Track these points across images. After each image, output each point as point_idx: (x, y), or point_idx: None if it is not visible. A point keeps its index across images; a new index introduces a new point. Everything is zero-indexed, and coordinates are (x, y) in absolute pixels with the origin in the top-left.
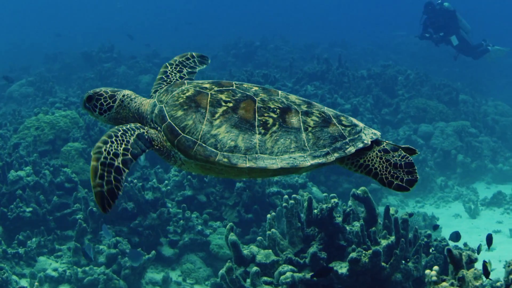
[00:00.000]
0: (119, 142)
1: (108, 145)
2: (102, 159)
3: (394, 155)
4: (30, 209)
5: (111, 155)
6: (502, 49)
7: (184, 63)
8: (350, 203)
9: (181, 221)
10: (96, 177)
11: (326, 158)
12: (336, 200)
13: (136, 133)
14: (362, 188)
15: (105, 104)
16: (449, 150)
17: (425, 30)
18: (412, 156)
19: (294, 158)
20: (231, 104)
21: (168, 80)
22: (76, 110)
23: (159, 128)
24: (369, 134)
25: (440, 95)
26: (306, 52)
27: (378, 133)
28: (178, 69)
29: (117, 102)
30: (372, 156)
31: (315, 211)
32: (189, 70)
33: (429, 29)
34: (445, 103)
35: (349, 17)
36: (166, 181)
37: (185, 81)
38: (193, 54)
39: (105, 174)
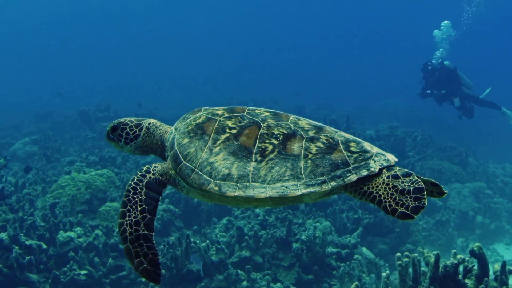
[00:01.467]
0: (134, 206)
1: (127, 217)
2: (129, 237)
3: (404, 180)
4: (85, 271)
5: (134, 228)
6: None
7: None
8: (467, 258)
9: (245, 282)
10: (133, 258)
11: (320, 187)
12: (461, 256)
13: (144, 183)
14: (477, 244)
15: (131, 133)
16: (466, 211)
17: (426, 88)
18: (440, 198)
19: (286, 187)
20: (235, 131)
21: None
22: (110, 169)
23: (168, 155)
24: (379, 161)
25: (450, 156)
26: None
27: (393, 160)
28: None
29: (143, 130)
30: (379, 182)
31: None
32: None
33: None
34: (456, 165)
35: (334, 82)
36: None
37: (202, 108)
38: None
39: (139, 249)
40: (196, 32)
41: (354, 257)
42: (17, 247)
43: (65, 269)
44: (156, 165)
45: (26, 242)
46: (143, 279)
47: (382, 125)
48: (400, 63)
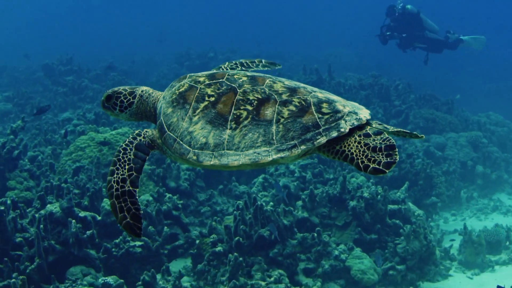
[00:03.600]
0: (122, 165)
1: (115, 175)
2: (115, 193)
3: (376, 138)
4: (141, 243)
5: (120, 184)
6: (478, 37)
7: (243, 63)
8: None
9: (318, 246)
10: (117, 212)
11: (291, 151)
12: None
13: (134, 144)
14: None
15: (125, 101)
16: (465, 161)
17: (387, 31)
18: (418, 139)
19: (258, 153)
20: (213, 99)
21: None
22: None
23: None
24: (350, 121)
25: (437, 105)
26: None
27: (365, 117)
28: (231, 66)
29: (137, 97)
30: (351, 141)
31: None
32: (243, 69)
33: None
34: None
35: (285, 30)
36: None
37: (188, 75)
38: (262, 60)
39: (123, 205)
40: None
41: (416, 213)
42: (74, 220)
43: (118, 241)
44: (148, 130)
45: (80, 214)
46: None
47: (349, 73)
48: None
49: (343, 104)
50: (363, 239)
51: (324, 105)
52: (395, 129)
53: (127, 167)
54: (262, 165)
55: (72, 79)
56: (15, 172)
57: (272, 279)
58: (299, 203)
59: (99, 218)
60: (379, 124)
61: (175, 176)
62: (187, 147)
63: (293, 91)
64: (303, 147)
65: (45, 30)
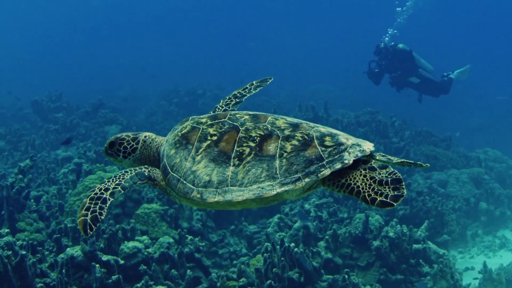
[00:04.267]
0: (113, 180)
1: (104, 184)
2: (92, 195)
3: (381, 172)
4: (164, 287)
5: (102, 191)
6: (463, 69)
7: (236, 94)
8: None
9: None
10: (82, 209)
11: (295, 184)
12: None
13: (137, 171)
14: None
15: (128, 146)
16: (468, 197)
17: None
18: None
19: (262, 188)
20: (215, 138)
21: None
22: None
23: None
24: (354, 153)
25: (436, 142)
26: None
27: (368, 149)
28: (226, 102)
29: (140, 143)
30: (356, 174)
31: None
32: (238, 100)
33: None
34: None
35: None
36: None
37: (190, 117)
38: (253, 82)
39: (92, 206)
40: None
41: (441, 253)
42: (97, 265)
43: (139, 285)
44: (156, 169)
45: (103, 258)
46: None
47: (340, 110)
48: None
49: (346, 137)
50: (388, 280)
51: (327, 138)
52: (399, 160)
53: (116, 181)
54: (267, 200)
55: (62, 116)
56: (24, 213)
57: None
58: (322, 243)
59: (122, 262)
60: (383, 156)
61: (188, 216)
62: (191, 186)
63: (295, 126)
64: (307, 179)
65: (26, 67)
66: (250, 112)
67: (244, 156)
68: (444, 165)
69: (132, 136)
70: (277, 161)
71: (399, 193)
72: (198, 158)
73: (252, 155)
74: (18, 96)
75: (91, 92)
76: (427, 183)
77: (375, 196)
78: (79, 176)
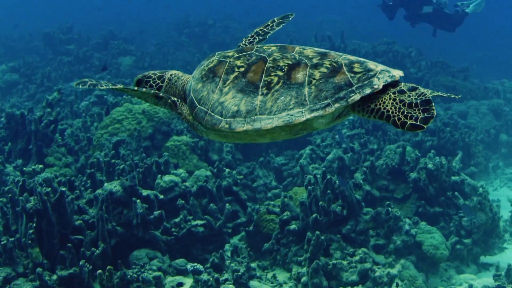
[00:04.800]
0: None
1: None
2: (146, 79)
3: (411, 94)
4: (203, 221)
5: (156, 81)
6: (478, 1)
7: (258, 32)
8: None
9: (390, 221)
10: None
11: (324, 110)
12: None
13: (172, 99)
14: None
15: (154, 85)
16: (488, 129)
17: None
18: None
19: (291, 115)
20: (243, 69)
21: None
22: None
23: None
24: (383, 78)
25: (453, 72)
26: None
27: (398, 75)
28: (249, 40)
29: (165, 81)
30: (385, 98)
31: None
32: (261, 38)
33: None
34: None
35: None
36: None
37: (216, 53)
38: (275, 19)
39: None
40: None
41: (478, 185)
42: (139, 200)
43: (178, 220)
44: (184, 103)
45: (144, 193)
46: None
47: (354, 41)
48: None
49: (375, 64)
50: (427, 212)
51: (356, 65)
52: (433, 93)
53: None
54: (296, 128)
55: (74, 48)
56: (52, 147)
57: (357, 257)
58: (358, 175)
59: (161, 197)
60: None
61: (218, 148)
62: (219, 117)
63: (323, 55)
64: (336, 105)
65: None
66: (277, 44)
67: (272, 85)
68: (463, 96)
69: (158, 74)
70: (306, 88)
71: (429, 115)
72: (226, 89)
73: (280, 84)
74: (25, 30)
75: (101, 24)
76: (447, 114)
77: (405, 120)
78: (108, 111)
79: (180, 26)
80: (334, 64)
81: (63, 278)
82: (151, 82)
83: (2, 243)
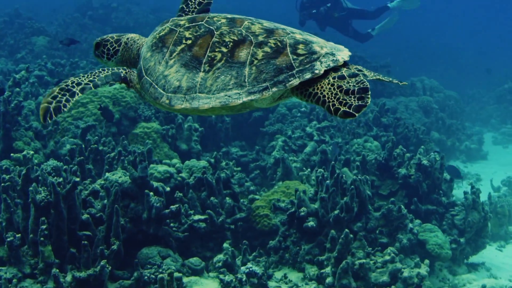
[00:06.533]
0: (89, 76)
1: (77, 78)
2: (63, 85)
3: (350, 81)
4: (205, 216)
5: (73, 84)
6: (386, 21)
7: None
8: None
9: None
10: (49, 97)
11: (262, 94)
12: None
13: (113, 71)
14: None
15: (111, 48)
16: (418, 127)
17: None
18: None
19: (229, 96)
20: (190, 42)
21: (184, 15)
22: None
23: None
24: (326, 62)
25: (376, 67)
26: (156, 14)
27: (342, 59)
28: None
29: (122, 45)
30: (324, 83)
31: None
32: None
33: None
34: None
35: None
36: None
37: (171, 19)
38: None
39: (59, 96)
40: None
41: (470, 182)
42: (152, 193)
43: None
44: (134, 71)
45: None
46: None
47: None
48: None
49: (321, 46)
50: (419, 210)
51: (301, 46)
52: (375, 76)
53: (90, 78)
54: (236, 108)
55: None
56: (20, 131)
57: (388, 257)
58: (345, 170)
59: (168, 189)
60: (359, 71)
61: (187, 137)
62: (161, 91)
63: (270, 32)
64: (274, 89)
65: None
66: (229, 16)
67: (215, 62)
68: (392, 92)
69: (116, 37)
70: (247, 69)
71: (363, 103)
72: (171, 62)
73: (222, 61)
74: None
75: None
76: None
77: (339, 106)
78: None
79: (82, 8)
80: (278, 43)
81: (80, 280)
82: (108, 45)
83: (9, 239)
